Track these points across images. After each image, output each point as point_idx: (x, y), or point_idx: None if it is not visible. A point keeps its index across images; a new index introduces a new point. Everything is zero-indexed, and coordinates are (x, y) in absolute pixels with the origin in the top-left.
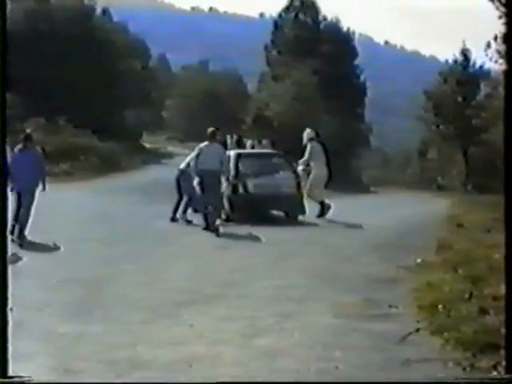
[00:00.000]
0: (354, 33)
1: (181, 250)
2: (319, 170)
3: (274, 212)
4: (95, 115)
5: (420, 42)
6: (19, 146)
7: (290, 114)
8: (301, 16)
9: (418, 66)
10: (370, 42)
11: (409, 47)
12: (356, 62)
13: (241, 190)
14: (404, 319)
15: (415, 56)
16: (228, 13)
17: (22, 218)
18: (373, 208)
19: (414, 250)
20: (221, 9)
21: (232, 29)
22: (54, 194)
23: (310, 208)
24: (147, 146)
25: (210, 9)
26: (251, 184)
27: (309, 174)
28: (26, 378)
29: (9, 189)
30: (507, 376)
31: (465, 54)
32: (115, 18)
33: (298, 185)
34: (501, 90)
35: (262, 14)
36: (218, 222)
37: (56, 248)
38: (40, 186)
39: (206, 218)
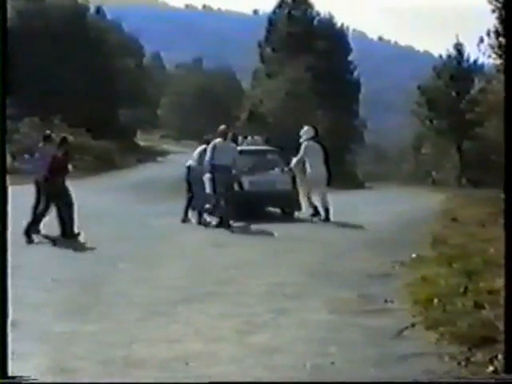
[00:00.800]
0: (347, 29)
1: (176, 248)
2: (315, 170)
3: (270, 208)
4: (89, 114)
5: (414, 37)
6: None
7: (284, 111)
8: (294, 12)
9: (411, 61)
10: (364, 37)
11: (402, 42)
12: (350, 57)
13: (236, 187)
14: (399, 314)
15: (409, 51)
16: (222, 10)
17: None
18: (367, 203)
19: (408, 245)
20: (214, 6)
21: (226, 26)
22: None
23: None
24: (141, 144)
25: (204, 6)
26: (246, 181)
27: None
28: (26, 378)
29: None
30: (508, 377)
31: (458, 48)
32: (109, 17)
33: (294, 181)
34: (495, 84)
35: (255, 11)
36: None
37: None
38: None
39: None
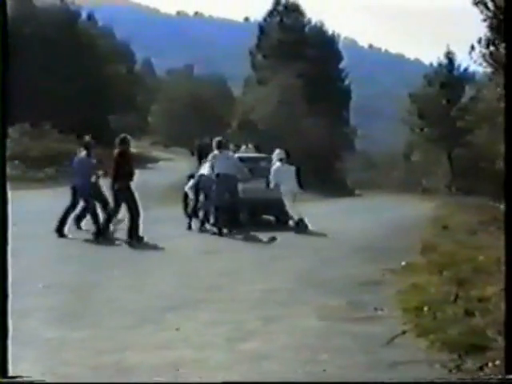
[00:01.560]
0: (338, 36)
1: (167, 255)
2: (286, 187)
3: (264, 216)
4: (80, 120)
5: (404, 44)
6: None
7: (275, 118)
8: (286, 20)
9: (402, 68)
10: (355, 45)
11: (393, 50)
12: (341, 65)
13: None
14: (389, 322)
15: (400, 59)
16: (213, 17)
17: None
18: (357, 211)
19: (399, 253)
20: (206, 13)
21: (217, 33)
22: (39, 200)
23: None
24: (132, 150)
25: (196, 13)
26: (240, 189)
27: None
28: (26, 378)
29: None
30: (508, 377)
31: (449, 57)
32: (100, 23)
33: None
34: (485, 92)
35: (246, 18)
36: (208, 226)
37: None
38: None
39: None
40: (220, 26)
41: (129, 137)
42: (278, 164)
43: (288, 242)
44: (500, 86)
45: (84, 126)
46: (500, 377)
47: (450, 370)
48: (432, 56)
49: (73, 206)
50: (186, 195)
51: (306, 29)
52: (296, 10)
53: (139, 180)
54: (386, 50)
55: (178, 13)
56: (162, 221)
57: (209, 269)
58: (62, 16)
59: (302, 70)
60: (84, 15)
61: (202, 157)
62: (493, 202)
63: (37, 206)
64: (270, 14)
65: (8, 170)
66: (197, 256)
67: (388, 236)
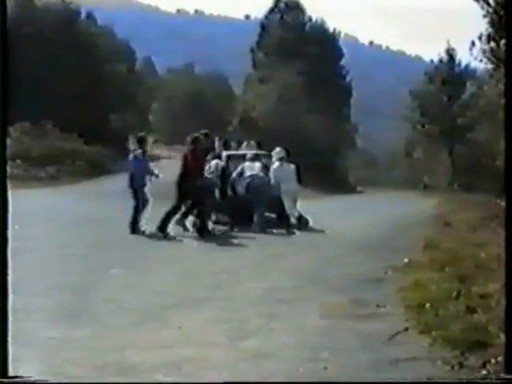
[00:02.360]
0: (339, 34)
1: (168, 254)
2: (286, 186)
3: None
4: (81, 119)
5: (405, 41)
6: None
7: (276, 116)
8: (286, 17)
9: (403, 66)
10: (355, 42)
11: (394, 47)
12: (341, 62)
13: (229, 192)
14: (392, 319)
15: (400, 56)
16: (214, 15)
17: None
18: (359, 208)
19: (401, 250)
20: (206, 11)
21: (218, 31)
22: (40, 199)
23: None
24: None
25: (196, 11)
26: (241, 186)
27: None
28: (26, 378)
29: None
30: (508, 377)
31: (450, 53)
32: (100, 22)
33: None
34: (486, 88)
35: (247, 16)
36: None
37: None
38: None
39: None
40: (220, 24)
41: (201, 137)
42: (277, 163)
43: (290, 240)
44: (501, 82)
45: (85, 125)
46: (500, 376)
47: (453, 367)
48: (433, 53)
49: (139, 206)
50: None
51: (307, 26)
52: (297, 8)
53: None
54: (387, 47)
55: (179, 11)
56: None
57: (210, 266)
58: (62, 15)
59: (302, 68)
60: (84, 14)
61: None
62: (495, 198)
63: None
64: (271, 11)
65: (9, 169)
66: (200, 253)
67: (390, 233)
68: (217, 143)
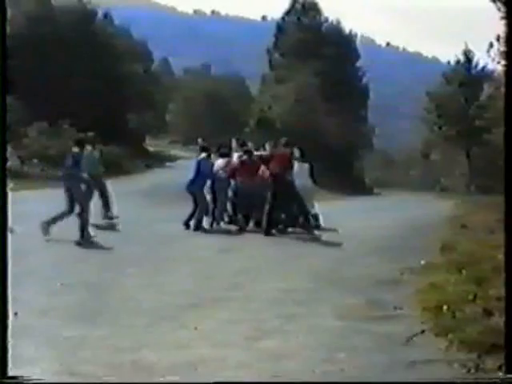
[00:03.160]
0: (355, 35)
1: (184, 253)
2: (300, 184)
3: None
4: (98, 119)
5: (422, 43)
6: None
7: (292, 116)
8: (303, 19)
9: (420, 67)
10: (372, 43)
11: (411, 48)
12: (358, 63)
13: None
14: (408, 321)
15: (417, 57)
16: (230, 16)
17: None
18: (376, 209)
19: (417, 252)
20: (223, 12)
21: (234, 32)
22: (56, 198)
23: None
24: (150, 149)
25: (212, 12)
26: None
27: None
28: (26, 378)
29: None
30: (508, 376)
31: (467, 55)
32: (117, 22)
33: None
34: (503, 90)
35: (264, 17)
36: (222, 224)
37: None
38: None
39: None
40: (237, 25)
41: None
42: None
43: (305, 241)
44: None
45: (102, 125)
46: (500, 377)
47: (469, 370)
48: (449, 54)
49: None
50: None
51: (323, 27)
52: (313, 9)
53: (157, 179)
54: (404, 49)
55: (195, 11)
56: (173, 220)
57: (227, 267)
58: (79, 15)
59: (319, 69)
60: (101, 14)
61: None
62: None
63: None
64: (288, 12)
65: (26, 169)
66: (217, 254)
67: (407, 235)
68: (234, 144)
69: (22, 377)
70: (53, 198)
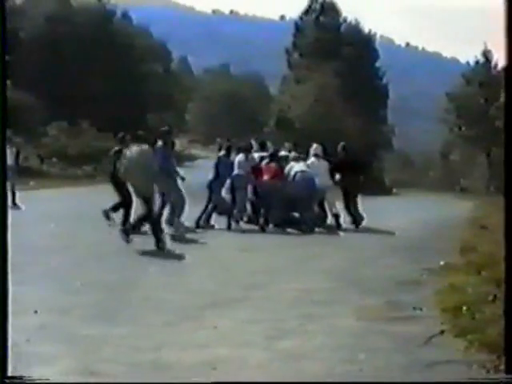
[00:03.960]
0: (374, 35)
1: (204, 253)
2: (319, 182)
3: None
4: (117, 118)
5: (441, 43)
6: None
7: (312, 116)
8: (321, 18)
9: (439, 67)
10: (391, 43)
11: (430, 49)
12: (377, 63)
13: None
14: (428, 321)
15: (437, 57)
16: (249, 15)
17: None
18: (395, 210)
19: (437, 252)
20: (241, 11)
21: (253, 31)
22: (77, 197)
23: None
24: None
25: (231, 12)
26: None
27: None
28: (26, 378)
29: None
30: (509, 376)
31: (486, 55)
32: (136, 22)
33: None
34: None
35: (282, 17)
36: (241, 224)
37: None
38: None
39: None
40: (256, 25)
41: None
42: (312, 159)
43: (325, 240)
44: None
45: (122, 124)
46: (500, 377)
47: (488, 371)
48: (469, 54)
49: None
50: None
51: (342, 27)
52: (332, 9)
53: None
54: (423, 49)
55: (214, 11)
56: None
57: (246, 267)
58: (98, 15)
59: (338, 69)
60: (120, 14)
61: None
62: None
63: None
64: (306, 12)
65: (46, 168)
66: (236, 253)
67: (426, 235)
68: (254, 144)
69: (22, 377)
70: (72, 197)
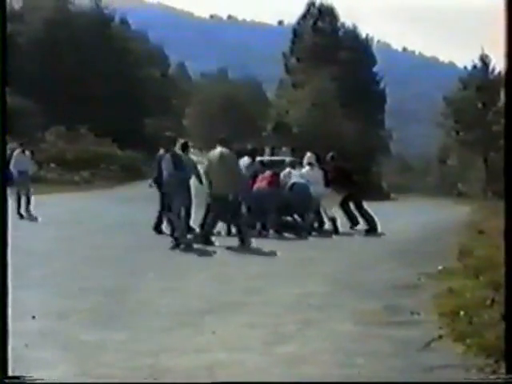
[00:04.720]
0: (372, 39)
1: (202, 258)
2: (314, 191)
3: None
4: (115, 124)
5: (438, 48)
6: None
7: (309, 121)
8: (319, 23)
9: (436, 72)
10: (388, 48)
11: (427, 53)
12: (375, 68)
13: None
14: (426, 326)
15: (434, 62)
16: (246, 21)
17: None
18: (393, 215)
19: (434, 257)
20: (239, 17)
21: (251, 36)
22: (75, 202)
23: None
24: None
25: (229, 17)
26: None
27: None
28: (27, 378)
29: None
30: (508, 377)
31: (484, 59)
32: (133, 27)
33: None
34: None
35: (280, 22)
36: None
37: None
38: None
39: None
40: (253, 30)
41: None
42: (307, 167)
43: (322, 245)
44: None
45: (119, 129)
46: (500, 377)
47: (487, 375)
48: (466, 59)
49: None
50: None
51: (340, 32)
52: (329, 14)
53: None
54: (420, 53)
55: (212, 16)
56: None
57: (243, 272)
58: (96, 20)
59: (336, 73)
60: (117, 19)
61: None
62: None
63: (76, 208)
64: (304, 17)
65: (43, 173)
66: (231, 259)
67: (424, 240)
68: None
69: (22, 377)
70: (70, 203)
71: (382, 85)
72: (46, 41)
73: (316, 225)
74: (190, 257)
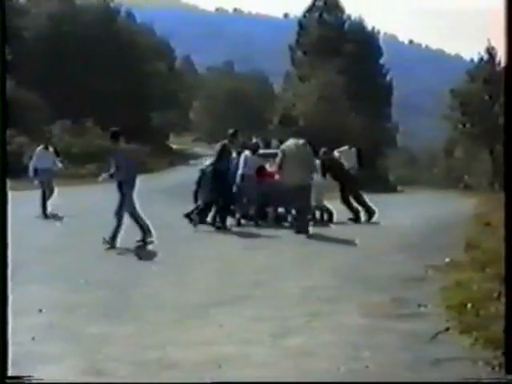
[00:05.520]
0: (378, 32)
1: (208, 251)
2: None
3: None
4: (122, 117)
5: (445, 40)
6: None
7: (316, 114)
8: (325, 16)
9: (443, 64)
10: (395, 41)
11: (433, 46)
12: (381, 61)
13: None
14: (433, 318)
15: (440, 55)
16: (252, 13)
17: None
18: (400, 207)
19: (442, 249)
20: (245, 9)
21: (256, 29)
22: (81, 196)
23: (341, 209)
24: (174, 147)
25: (235, 10)
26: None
27: None
28: (27, 378)
29: None
30: (508, 377)
31: (490, 52)
32: (139, 20)
33: None
34: None
35: (286, 15)
36: (243, 221)
37: None
38: None
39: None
40: (259, 23)
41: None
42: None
43: (330, 238)
44: None
45: (126, 123)
46: (500, 377)
47: (493, 368)
48: (473, 52)
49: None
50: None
51: (346, 25)
52: (335, 6)
53: (180, 177)
54: (427, 46)
55: (217, 9)
56: None
57: (249, 265)
58: (102, 14)
59: (342, 66)
60: (123, 13)
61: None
62: None
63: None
64: (310, 10)
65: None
66: (238, 252)
67: (431, 232)
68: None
69: (22, 377)
70: (76, 196)
71: (388, 77)
72: (52, 35)
73: (326, 217)
74: (196, 250)
